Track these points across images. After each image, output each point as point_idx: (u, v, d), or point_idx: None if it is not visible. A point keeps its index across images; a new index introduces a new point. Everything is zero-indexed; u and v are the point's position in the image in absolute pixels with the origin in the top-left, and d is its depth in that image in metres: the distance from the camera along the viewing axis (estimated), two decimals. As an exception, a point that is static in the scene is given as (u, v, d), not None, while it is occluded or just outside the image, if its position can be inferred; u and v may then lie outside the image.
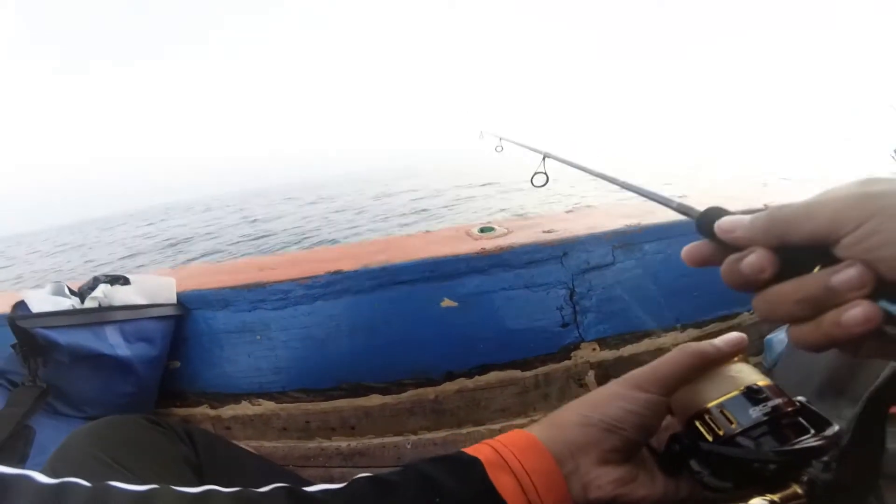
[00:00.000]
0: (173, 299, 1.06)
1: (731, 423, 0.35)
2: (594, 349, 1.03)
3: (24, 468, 0.91)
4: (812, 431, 0.34)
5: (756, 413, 0.34)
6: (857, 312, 0.26)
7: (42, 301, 1.02)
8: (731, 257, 0.31)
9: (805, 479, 0.32)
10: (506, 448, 0.38)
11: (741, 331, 0.39)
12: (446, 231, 1.18)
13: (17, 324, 0.93)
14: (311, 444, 1.10)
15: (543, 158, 0.86)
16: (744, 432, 0.34)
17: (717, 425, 0.35)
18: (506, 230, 1.09)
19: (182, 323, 1.08)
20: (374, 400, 1.08)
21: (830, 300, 0.27)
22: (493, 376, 1.05)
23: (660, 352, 0.86)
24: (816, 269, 0.28)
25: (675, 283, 1.03)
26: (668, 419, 0.41)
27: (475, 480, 0.36)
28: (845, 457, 0.31)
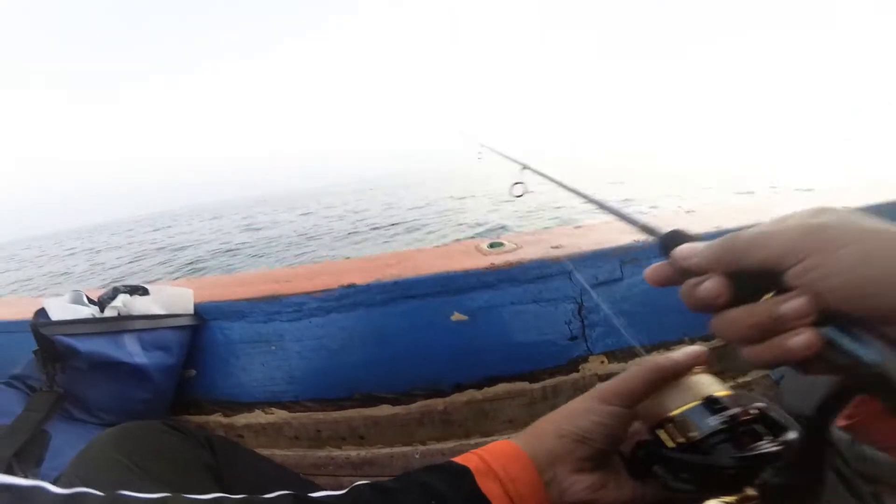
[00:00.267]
0: (190, 310, 1.06)
1: (691, 431, 0.37)
2: (602, 362, 1.03)
3: (38, 472, 0.91)
4: (768, 438, 0.36)
5: (714, 422, 0.36)
6: (800, 339, 0.28)
7: (62, 309, 1.02)
8: (689, 282, 0.34)
9: (759, 482, 0.34)
10: (492, 457, 0.41)
11: None
12: (456, 246, 1.19)
13: (39, 331, 0.94)
14: (322, 453, 1.10)
15: (522, 169, 0.87)
16: (703, 440, 0.36)
17: (678, 433, 0.38)
18: (514, 245, 1.10)
19: (198, 333, 1.09)
20: (384, 410, 1.08)
21: (778, 326, 0.29)
22: (501, 388, 1.05)
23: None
24: (769, 296, 0.30)
25: None
26: (637, 426, 0.44)
27: (465, 487, 0.39)
28: (796, 462, 0.34)
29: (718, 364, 1.04)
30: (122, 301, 1.02)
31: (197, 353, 1.10)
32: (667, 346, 1.04)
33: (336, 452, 1.10)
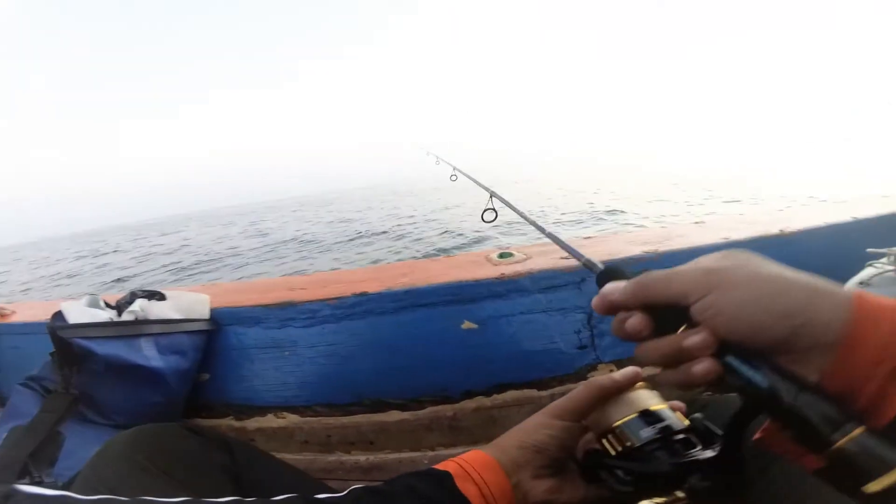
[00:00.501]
0: (206, 315, 1.06)
1: (629, 441, 0.42)
2: (611, 370, 1.03)
3: (52, 472, 0.90)
4: (698, 446, 0.40)
5: (647, 433, 0.41)
6: (700, 367, 0.33)
7: (79, 312, 1.02)
8: (619, 316, 0.39)
9: (687, 485, 0.38)
10: (468, 464, 0.46)
11: None
12: (467, 256, 1.19)
13: (57, 333, 0.94)
14: (331, 458, 1.09)
15: (490, 197, 0.90)
16: (639, 448, 0.41)
17: (618, 442, 0.43)
18: (524, 256, 1.10)
19: (213, 337, 1.09)
20: (394, 416, 1.08)
21: (684, 356, 0.34)
22: (510, 395, 1.05)
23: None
24: (681, 330, 0.35)
25: None
26: (589, 436, 0.49)
27: (447, 489, 0.43)
28: (718, 467, 0.39)
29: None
30: (139, 305, 1.02)
31: (211, 357, 1.10)
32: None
33: (345, 457, 1.09)
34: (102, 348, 0.95)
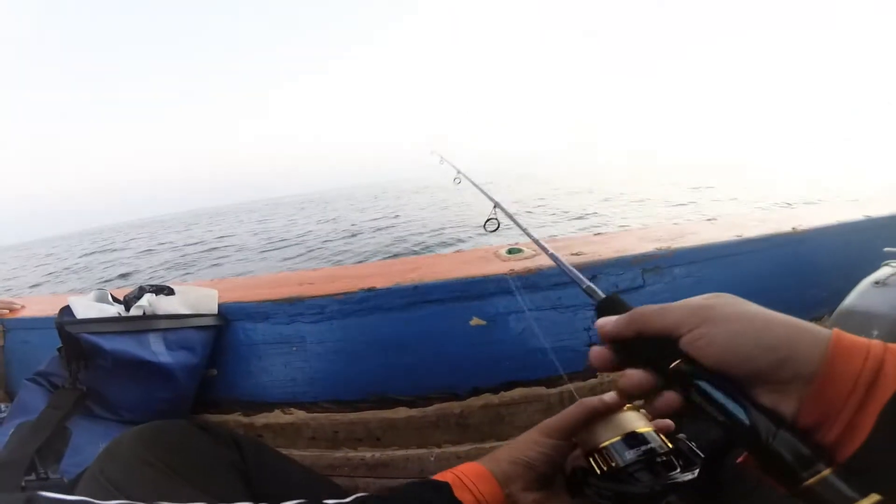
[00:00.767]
0: (215, 310, 1.04)
1: (614, 462, 0.43)
2: None
3: (58, 468, 0.88)
4: (679, 469, 0.42)
5: (631, 455, 0.43)
6: (663, 399, 0.36)
7: (87, 307, 1.00)
8: (606, 352, 0.41)
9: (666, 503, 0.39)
10: (465, 475, 0.48)
11: None
12: (476, 252, 1.16)
13: (65, 328, 0.91)
14: (338, 454, 1.07)
15: (494, 207, 0.90)
16: (623, 468, 0.42)
17: (603, 462, 0.44)
18: (533, 252, 1.07)
19: (222, 333, 1.07)
20: (401, 412, 1.05)
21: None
22: (517, 393, 1.02)
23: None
24: (674, 364, 0.36)
25: None
26: (578, 452, 0.51)
27: (446, 498, 0.45)
28: (698, 490, 0.40)
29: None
30: (147, 300, 1.00)
31: (219, 352, 1.08)
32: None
33: (352, 454, 1.07)
34: (110, 344, 0.93)
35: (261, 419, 1.09)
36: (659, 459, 0.43)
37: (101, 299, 1.04)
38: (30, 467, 0.84)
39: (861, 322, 0.81)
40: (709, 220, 1.24)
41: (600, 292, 0.47)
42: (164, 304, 1.00)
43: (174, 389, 1.00)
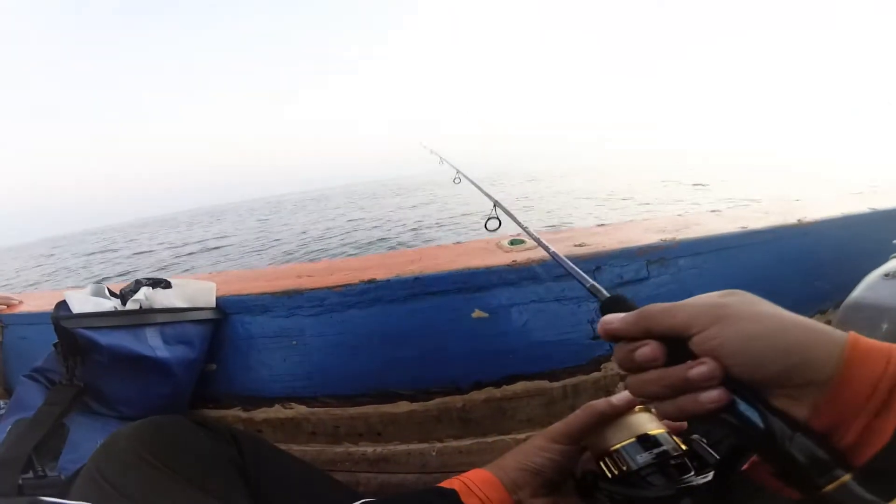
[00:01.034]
0: (213, 303, 1.01)
1: (626, 465, 0.42)
2: None
3: (56, 465, 0.86)
4: (693, 472, 0.41)
5: (645, 457, 0.41)
6: (709, 395, 0.32)
7: (83, 302, 0.98)
8: (620, 346, 0.38)
9: None
10: (472, 482, 0.47)
11: None
12: (477, 243, 1.14)
13: (60, 323, 0.89)
14: (339, 449, 1.05)
15: (494, 206, 0.88)
16: (636, 472, 0.41)
17: (615, 466, 0.43)
18: (535, 243, 1.05)
19: (220, 327, 1.04)
20: (402, 407, 1.03)
21: (687, 386, 0.33)
22: (520, 386, 1.00)
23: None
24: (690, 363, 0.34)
25: None
26: (588, 455, 0.49)
27: None
28: (710, 494, 0.38)
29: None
30: (144, 294, 0.97)
31: (218, 346, 1.05)
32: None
33: (353, 449, 1.05)
34: (107, 339, 0.91)
35: (260, 414, 1.07)
36: (672, 462, 0.41)
37: (98, 293, 1.01)
38: (27, 465, 0.82)
39: (870, 315, 0.79)
40: (713, 211, 1.21)
41: (605, 291, 0.45)
42: (161, 298, 0.98)
43: (172, 384, 0.97)
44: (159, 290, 1.00)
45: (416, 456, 1.02)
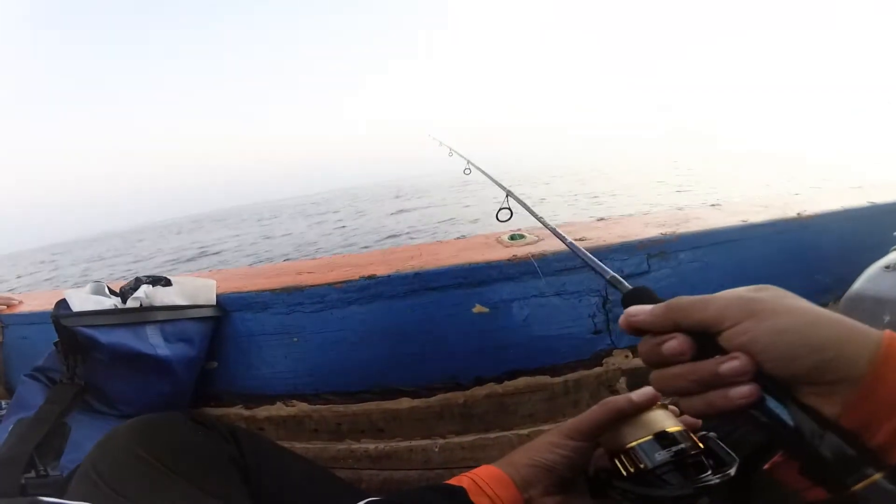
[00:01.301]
0: (213, 301, 1.01)
1: (642, 463, 0.40)
2: (627, 356, 0.97)
3: (58, 464, 0.85)
4: (711, 471, 0.39)
5: (662, 456, 0.39)
6: (742, 390, 0.31)
7: (83, 300, 0.97)
8: (646, 339, 0.37)
9: None
10: (482, 480, 0.46)
11: None
12: (477, 238, 1.13)
13: (60, 322, 0.88)
14: (341, 446, 1.04)
15: (507, 196, 0.86)
16: (652, 470, 0.39)
17: (631, 463, 0.41)
18: (536, 238, 1.04)
19: (220, 324, 1.03)
20: (404, 403, 1.03)
21: (717, 381, 0.32)
22: (522, 382, 0.99)
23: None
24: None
25: (710, 291, 0.97)
26: (600, 452, 0.48)
27: (461, 503, 0.43)
28: (729, 493, 0.38)
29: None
30: (144, 292, 0.97)
31: (219, 344, 1.05)
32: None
33: (355, 445, 1.04)
34: (107, 337, 0.90)
35: (262, 412, 1.06)
36: (689, 461, 0.40)
37: (98, 291, 1.01)
38: (29, 464, 0.81)
39: (871, 307, 0.79)
40: (713, 205, 1.21)
41: (626, 283, 0.44)
42: (161, 296, 0.97)
43: (173, 382, 0.97)
44: (159, 288, 0.99)
45: (418, 452, 1.01)
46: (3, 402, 1.12)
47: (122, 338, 0.91)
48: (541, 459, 0.47)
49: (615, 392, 0.98)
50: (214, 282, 1.03)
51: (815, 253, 1.03)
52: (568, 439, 0.47)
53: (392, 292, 0.97)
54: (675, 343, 0.35)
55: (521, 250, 0.96)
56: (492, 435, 1.01)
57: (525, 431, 1.00)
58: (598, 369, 0.97)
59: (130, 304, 0.95)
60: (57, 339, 0.91)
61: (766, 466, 0.34)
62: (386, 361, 1.02)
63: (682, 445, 0.40)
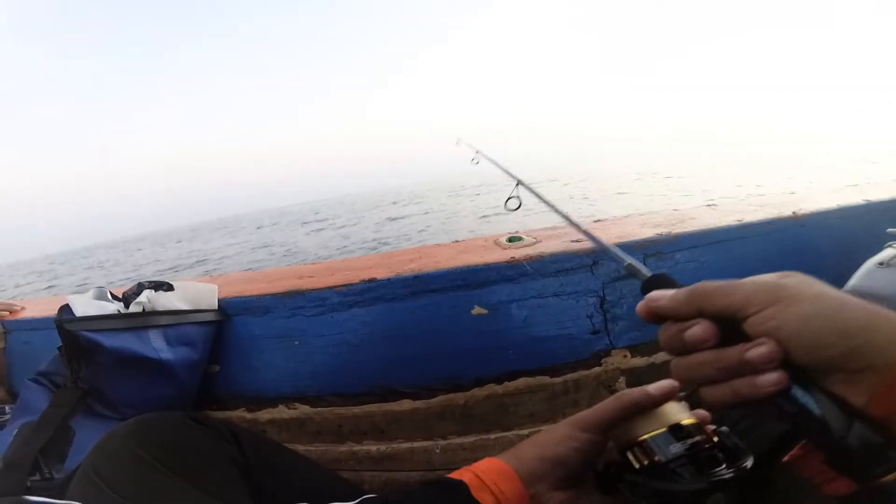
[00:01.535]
0: (215, 305, 1.02)
1: (655, 456, 0.39)
2: (625, 356, 0.98)
3: (62, 468, 0.86)
4: (726, 464, 0.38)
5: (677, 448, 0.38)
6: (770, 377, 0.30)
7: (86, 305, 0.98)
8: (667, 326, 0.36)
9: (711, 503, 0.36)
10: (485, 474, 0.44)
11: None
12: (475, 241, 1.14)
13: (64, 327, 0.89)
14: (343, 448, 1.05)
15: (517, 185, 0.86)
16: (666, 464, 0.38)
17: (644, 456, 0.40)
18: (534, 239, 1.05)
19: (222, 328, 1.04)
20: (405, 405, 1.03)
21: (743, 369, 0.31)
22: (521, 382, 1.00)
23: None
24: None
25: None
26: (610, 445, 0.46)
27: (463, 499, 0.42)
28: (744, 488, 0.37)
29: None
30: (146, 296, 0.98)
31: (220, 348, 1.05)
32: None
33: (357, 447, 1.05)
34: (110, 341, 0.91)
35: (264, 415, 1.07)
36: (703, 455, 0.39)
37: (101, 297, 1.02)
38: (34, 467, 0.82)
39: (866, 304, 0.80)
40: (709, 205, 1.22)
41: (645, 269, 0.42)
42: (164, 300, 0.98)
43: (176, 386, 0.97)
44: (162, 293, 1.00)
45: (419, 453, 1.02)
46: (6, 407, 1.13)
47: (125, 342, 0.92)
48: (550, 452, 0.45)
49: (614, 391, 0.98)
50: (216, 286, 1.04)
51: (811, 251, 1.04)
52: (581, 432, 0.46)
53: (392, 295, 0.98)
54: (699, 329, 0.34)
55: (518, 252, 0.97)
56: (492, 435, 1.02)
57: (525, 431, 1.01)
58: (596, 369, 0.98)
59: (133, 308, 0.96)
60: (60, 344, 0.92)
61: (785, 458, 0.33)
62: (387, 363, 1.02)
63: (697, 438, 0.39)
